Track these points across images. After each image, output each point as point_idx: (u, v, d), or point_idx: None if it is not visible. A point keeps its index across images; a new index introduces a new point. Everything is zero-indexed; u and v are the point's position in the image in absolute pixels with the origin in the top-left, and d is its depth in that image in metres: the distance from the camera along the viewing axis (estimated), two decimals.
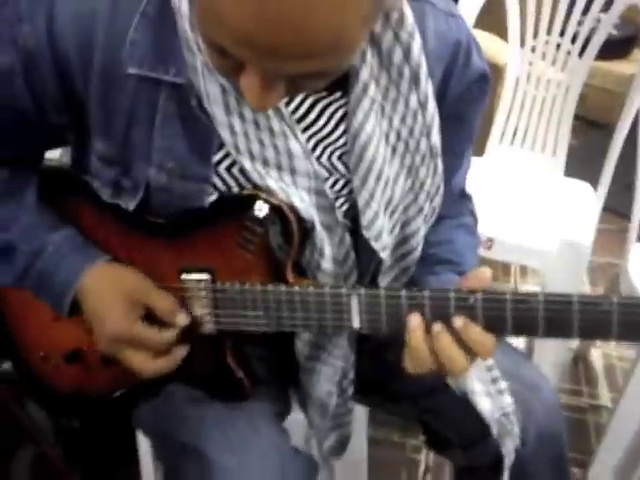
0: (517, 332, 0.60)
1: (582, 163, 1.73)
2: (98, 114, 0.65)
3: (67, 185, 0.75)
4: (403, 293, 0.61)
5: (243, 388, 0.73)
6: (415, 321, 0.61)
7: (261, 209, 0.65)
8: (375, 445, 1.42)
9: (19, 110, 0.67)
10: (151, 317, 0.69)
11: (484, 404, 0.77)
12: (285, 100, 0.65)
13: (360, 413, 0.98)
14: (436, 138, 0.70)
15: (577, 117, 1.61)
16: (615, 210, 2.00)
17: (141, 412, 0.79)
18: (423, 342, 0.61)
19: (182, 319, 0.69)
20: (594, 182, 1.57)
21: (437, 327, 0.61)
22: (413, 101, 0.68)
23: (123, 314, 0.68)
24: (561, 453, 0.82)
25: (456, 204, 0.85)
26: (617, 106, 2.84)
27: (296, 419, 0.84)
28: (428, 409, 0.88)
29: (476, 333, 0.60)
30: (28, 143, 0.72)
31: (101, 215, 0.72)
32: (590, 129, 2.71)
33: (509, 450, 0.77)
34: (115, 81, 0.63)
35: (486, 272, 0.61)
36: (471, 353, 0.61)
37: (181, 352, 0.70)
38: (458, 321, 0.60)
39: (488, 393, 0.77)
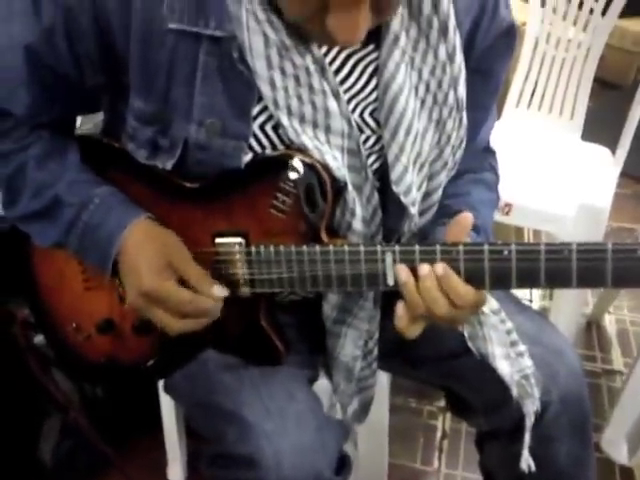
0: (550, 283, 0.61)
1: (598, 125, 1.71)
2: (138, 72, 0.65)
3: (99, 152, 0.75)
4: (438, 248, 0.62)
5: (277, 352, 0.73)
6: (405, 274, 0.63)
7: (295, 169, 0.65)
8: (393, 411, 1.43)
9: (58, 70, 0.68)
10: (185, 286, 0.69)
11: (503, 367, 0.77)
12: (329, 59, 0.66)
13: (382, 378, 0.99)
14: (462, 91, 0.71)
15: (593, 78, 1.58)
16: (631, 174, 1.98)
17: (175, 381, 0.80)
18: (416, 291, 0.63)
19: (218, 292, 0.68)
20: (610, 144, 1.55)
21: (423, 271, 0.62)
22: (442, 52, 0.68)
23: (159, 271, 0.67)
24: (584, 417, 0.83)
25: (478, 159, 0.85)
26: (632, 67, 2.81)
27: (320, 385, 0.85)
28: (449, 374, 0.88)
29: (455, 282, 0.61)
30: (63, 106, 0.73)
31: (135, 181, 0.72)
32: (606, 90, 2.66)
33: (529, 412, 0.78)
34: (155, 37, 0.63)
35: (468, 218, 0.63)
36: (452, 302, 0.62)
37: (213, 315, 0.69)
38: (439, 268, 0.61)
39: (507, 356, 0.78)
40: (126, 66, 0.65)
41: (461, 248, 0.61)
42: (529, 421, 0.78)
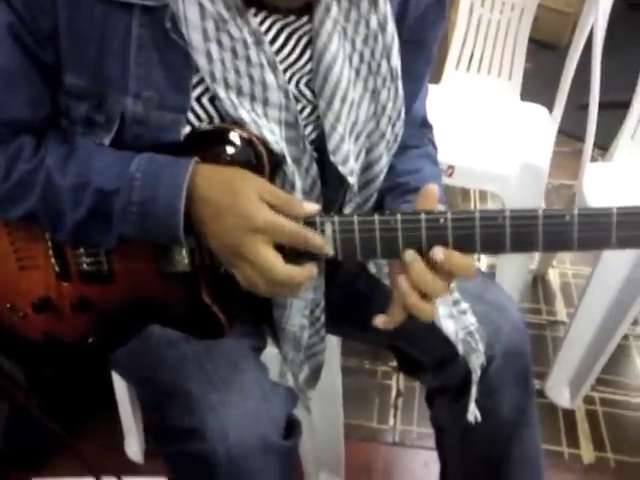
0: (485, 249, 0.62)
1: (535, 86, 1.74)
2: (68, 43, 0.63)
3: None
4: (376, 217, 0.62)
5: (220, 324, 0.73)
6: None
7: (233, 143, 0.64)
8: (347, 373, 1.46)
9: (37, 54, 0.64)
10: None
11: (448, 325, 0.80)
12: (264, 29, 0.65)
13: (332, 342, 1.01)
14: (396, 61, 0.71)
15: (530, 39, 1.61)
16: (568, 132, 2.04)
17: (118, 357, 0.79)
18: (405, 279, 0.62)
19: (311, 207, 0.63)
20: (548, 104, 1.58)
21: (409, 256, 0.62)
22: (373, 22, 0.69)
23: (258, 200, 0.61)
24: (525, 368, 0.86)
25: (419, 134, 0.86)
26: (567, 27, 2.87)
27: (270, 354, 0.86)
28: (397, 334, 0.88)
29: (458, 258, 0.61)
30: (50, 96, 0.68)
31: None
32: (541, 51, 2.71)
33: (475, 367, 0.81)
34: (82, 7, 0.61)
35: (433, 188, 0.62)
36: (449, 276, 0.62)
37: (311, 269, 0.64)
38: (439, 253, 0.60)
39: (451, 315, 0.80)
40: (56, 39, 0.62)
41: (399, 217, 0.61)
42: (475, 375, 0.81)
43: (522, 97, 1.65)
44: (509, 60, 1.59)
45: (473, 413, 0.83)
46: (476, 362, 0.81)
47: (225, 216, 0.61)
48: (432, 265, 0.61)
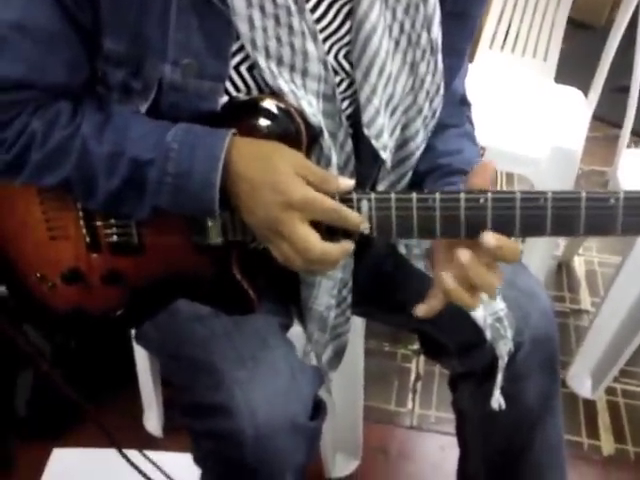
0: (525, 232, 0.60)
1: (571, 67, 1.69)
2: (107, 8, 0.61)
3: None
4: (414, 196, 0.61)
5: (250, 300, 0.72)
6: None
7: (271, 114, 0.62)
8: (367, 355, 1.46)
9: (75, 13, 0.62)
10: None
11: (477, 310, 0.78)
12: None
13: (357, 324, 1.00)
14: (437, 33, 0.69)
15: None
16: (600, 117, 1.98)
17: (146, 331, 0.79)
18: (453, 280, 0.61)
19: (346, 181, 0.62)
20: (582, 86, 1.54)
21: (464, 256, 0.60)
22: None
23: (295, 176, 0.60)
24: (553, 356, 0.85)
25: (459, 112, 0.84)
26: (605, 7, 2.78)
27: (294, 333, 0.85)
28: (425, 318, 0.89)
29: (508, 243, 0.59)
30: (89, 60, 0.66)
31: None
32: (579, 31, 2.64)
33: (502, 353, 0.79)
34: None
35: (489, 165, 0.61)
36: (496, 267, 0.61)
37: (348, 245, 0.63)
38: (490, 239, 0.59)
39: (480, 300, 0.79)
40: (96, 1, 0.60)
41: (437, 196, 0.60)
42: (502, 362, 0.79)
43: (557, 78, 1.60)
44: (545, 41, 1.55)
45: (497, 400, 0.82)
46: (504, 349, 0.79)
47: (261, 191, 0.60)
48: (477, 252, 0.60)
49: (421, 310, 0.65)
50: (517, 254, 0.60)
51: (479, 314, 0.79)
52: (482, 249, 0.59)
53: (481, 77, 1.53)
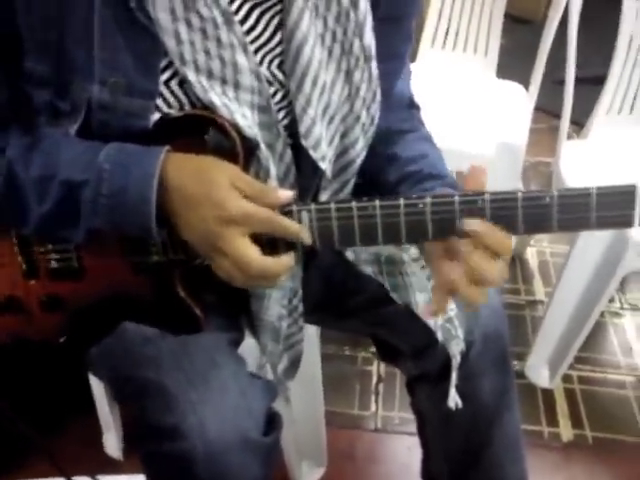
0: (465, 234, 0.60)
1: (511, 61, 1.72)
2: (26, 28, 0.58)
3: None
4: (354, 204, 0.60)
5: (196, 319, 0.71)
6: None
7: (204, 129, 0.61)
8: (327, 360, 1.45)
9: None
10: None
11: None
12: (233, 9, 0.62)
13: (310, 331, 0.99)
14: (369, 40, 0.69)
15: (505, 14, 1.59)
16: (544, 108, 2.03)
17: (92, 356, 0.76)
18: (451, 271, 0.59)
19: (286, 193, 0.61)
20: (523, 80, 1.57)
21: (467, 245, 0.58)
22: None
23: (230, 188, 0.58)
24: (504, 351, 0.86)
25: (410, 115, 0.83)
26: (541, 2, 2.85)
27: (248, 346, 0.84)
28: (376, 322, 0.89)
29: (497, 231, 0.58)
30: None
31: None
32: (516, 26, 2.69)
33: (455, 353, 0.80)
34: None
35: (480, 168, 0.60)
36: (495, 256, 0.59)
37: (289, 258, 0.62)
38: (472, 223, 0.58)
39: (429, 301, 0.79)
40: (14, 18, 0.58)
41: (377, 203, 0.60)
42: (455, 362, 0.80)
43: (498, 73, 1.63)
44: (485, 36, 1.57)
45: (454, 399, 0.82)
46: (456, 348, 0.80)
47: (198, 206, 0.59)
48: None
49: (426, 312, 0.64)
50: (507, 245, 0.58)
51: None
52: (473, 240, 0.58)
53: (424, 76, 1.55)
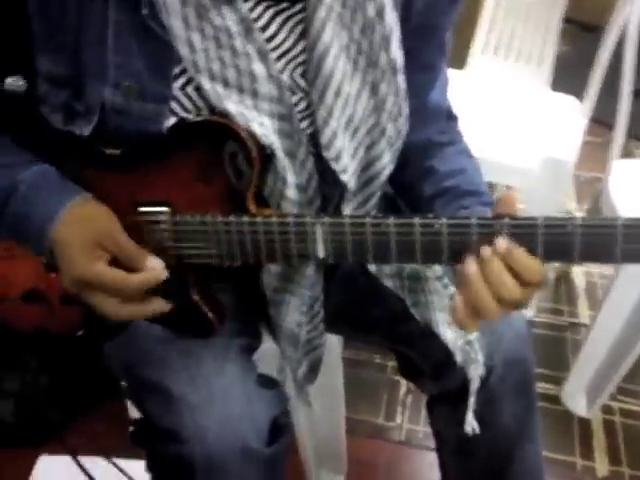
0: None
1: (572, 70, 1.65)
2: (40, 27, 0.61)
3: (16, 116, 0.70)
4: (368, 220, 0.59)
5: (211, 325, 0.71)
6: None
7: (219, 137, 0.61)
8: (357, 367, 1.44)
9: None
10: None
11: (447, 333, 0.76)
12: (254, 16, 0.62)
13: (333, 337, 0.98)
14: (396, 53, 0.67)
15: (570, 20, 1.52)
16: (602, 121, 1.93)
17: (108, 350, 0.78)
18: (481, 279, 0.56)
19: (153, 263, 0.64)
20: (583, 90, 1.50)
21: (486, 252, 0.56)
22: (370, 10, 0.64)
23: (88, 252, 0.63)
24: (528, 378, 0.82)
25: (448, 127, 0.81)
26: (609, 8, 2.71)
27: (269, 349, 0.84)
28: (397, 338, 0.87)
29: (520, 254, 0.55)
30: None
31: (51, 148, 0.68)
32: (582, 34, 2.58)
33: (473, 377, 0.77)
34: None
35: (513, 196, 0.57)
36: (521, 281, 0.56)
37: (160, 305, 0.65)
38: (503, 243, 0.55)
39: (450, 322, 0.76)
40: (28, 17, 0.60)
41: (391, 221, 0.58)
42: (473, 385, 0.77)
43: (558, 82, 1.57)
44: (539, 45, 1.51)
45: (470, 424, 0.79)
46: (475, 372, 0.77)
47: (64, 263, 0.64)
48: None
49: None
50: (538, 272, 0.56)
51: (449, 336, 0.77)
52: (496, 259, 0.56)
53: (472, 84, 1.50)
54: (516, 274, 0.56)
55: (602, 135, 1.97)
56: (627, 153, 1.35)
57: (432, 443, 1.27)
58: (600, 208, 1.31)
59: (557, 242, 0.55)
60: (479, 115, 1.37)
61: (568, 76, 1.60)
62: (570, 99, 1.51)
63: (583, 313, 1.63)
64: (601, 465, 1.28)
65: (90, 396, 1.31)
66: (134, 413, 1.24)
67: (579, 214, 1.87)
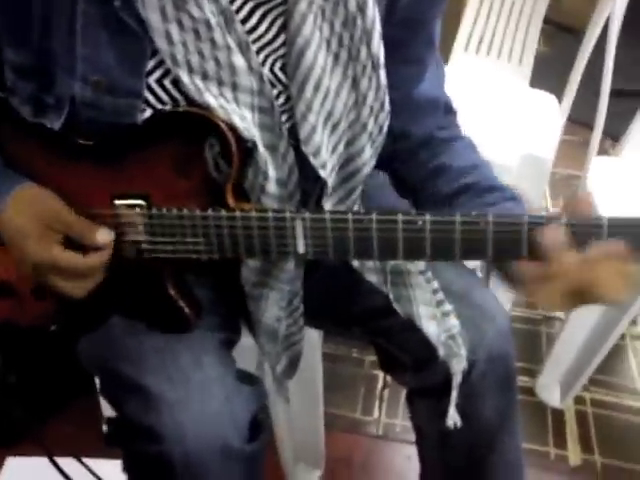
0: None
1: (550, 70, 1.67)
2: (3, 17, 0.59)
3: None
4: (350, 216, 0.59)
5: (187, 319, 0.70)
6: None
7: (198, 129, 0.60)
8: (334, 361, 1.44)
9: None
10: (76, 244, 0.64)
11: (430, 327, 0.77)
12: (235, 7, 0.61)
13: (312, 332, 0.98)
14: (377, 48, 0.66)
15: (550, 21, 1.53)
16: (581, 121, 1.96)
17: (82, 346, 0.76)
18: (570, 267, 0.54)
19: (103, 235, 0.64)
20: (561, 89, 1.51)
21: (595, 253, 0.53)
22: (352, 4, 0.63)
23: (39, 239, 0.63)
24: (509, 373, 0.83)
25: (448, 122, 0.80)
26: (590, 10, 2.75)
27: (248, 345, 0.83)
28: (378, 332, 0.87)
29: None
30: None
31: (24, 139, 0.66)
32: (560, 34, 2.61)
33: (456, 371, 0.77)
34: None
35: (590, 197, 0.55)
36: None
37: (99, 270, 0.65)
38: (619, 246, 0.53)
39: (433, 316, 0.77)
40: None
41: (374, 217, 0.58)
42: (456, 379, 0.78)
43: (536, 81, 1.58)
44: (520, 44, 1.52)
45: (452, 418, 0.80)
46: (457, 366, 0.78)
47: (15, 247, 0.64)
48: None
49: None
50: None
51: (432, 330, 0.77)
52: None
53: (455, 80, 1.50)
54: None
55: (576, 133, 2.00)
56: (602, 151, 1.36)
57: (410, 436, 1.29)
58: None
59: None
60: (461, 111, 1.37)
61: (545, 75, 1.62)
62: (549, 97, 1.52)
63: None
64: (574, 454, 1.31)
65: (60, 394, 1.28)
66: (107, 411, 1.23)
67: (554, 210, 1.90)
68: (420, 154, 0.76)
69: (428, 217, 0.57)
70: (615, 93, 1.28)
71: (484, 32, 1.54)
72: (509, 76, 1.55)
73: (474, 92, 1.49)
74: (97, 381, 0.82)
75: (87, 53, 0.59)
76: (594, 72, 1.44)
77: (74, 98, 0.61)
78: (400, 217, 0.57)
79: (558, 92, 1.53)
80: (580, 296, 0.55)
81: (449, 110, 0.82)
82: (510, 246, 0.56)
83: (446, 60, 1.55)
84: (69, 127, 0.63)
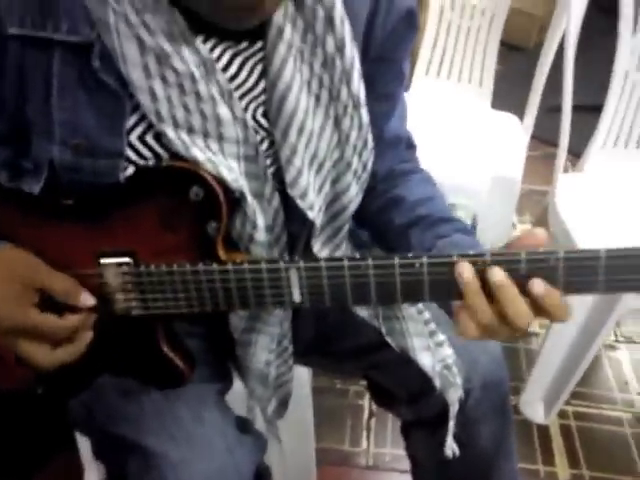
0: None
1: (506, 87, 1.71)
2: None
3: None
4: (345, 263, 0.57)
5: (181, 374, 0.67)
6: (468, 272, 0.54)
7: (184, 184, 0.58)
8: (318, 393, 1.41)
9: None
10: (54, 305, 0.61)
11: (424, 358, 0.76)
12: (214, 57, 0.60)
13: (302, 371, 0.96)
14: (357, 87, 0.66)
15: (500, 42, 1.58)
16: (538, 136, 2.02)
17: (72, 409, 0.73)
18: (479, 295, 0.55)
19: (86, 299, 0.61)
20: (518, 106, 1.55)
21: (498, 277, 0.54)
22: (330, 44, 0.63)
23: (15, 301, 0.59)
24: (503, 398, 0.83)
25: (409, 156, 0.81)
26: (534, 29, 2.86)
27: (237, 389, 0.81)
28: (370, 366, 0.87)
29: (557, 297, 0.54)
30: None
31: (2, 201, 0.63)
32: (510, 53, 2.70)
33: (453, 401, 0.77)
34: None
35: (542, 233, 0.56)
36: (541, 313, 0.56)
37: (85, 337, 0.62)
38: (539, 285, 0.54)
39: (427, 347, 0.77)
40: None
41: (370, 262, 0.57)
42: (453, 409, 0.78)
43: (493, 99, 1.62)
44: (479, 66, 1.56)
45: (450, 447, 0.79)
46: (454, 396, 0.77)
47: None
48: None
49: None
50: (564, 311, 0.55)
51: (427, 362, 0.77)
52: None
53: (417, 105, 1.53)
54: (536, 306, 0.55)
55: (537, 149, 2.05)
56: (563, 168, 1.39)
57: (400, 465, 1.28)
58: (546, 221, 1.35)
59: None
60: (426, 135, 1.39)
61: (503, 94, 1.66)
62: (512, 117, 1.56)
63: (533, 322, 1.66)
64: (562, 470, 1.31)
65: (43, 450, 1.22)
66: (88, 462, 1.18)
67: (522, 226, 1.93)
68: (378, 186, 0.76)
69: (425, 259, 0.56)
70: (573, 109, 1.31)
71: (443, 56, 1.57)
72: (471, 98, 1.58)
73: (439, 116, 1.52)
74: (89, 443, 0.78)
75: (65, 117, 0.58)
76: (546, 89, 1.48)
77: (52, 162, 0.59)
78: (397, 261, 0.56)
79: (517, 108, 1.57)
80: (498, 327, 0.56)
81: (410, 145, 0.83)
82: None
83: (408, 84, 1.57)
84: (49, 189, 0.60)
